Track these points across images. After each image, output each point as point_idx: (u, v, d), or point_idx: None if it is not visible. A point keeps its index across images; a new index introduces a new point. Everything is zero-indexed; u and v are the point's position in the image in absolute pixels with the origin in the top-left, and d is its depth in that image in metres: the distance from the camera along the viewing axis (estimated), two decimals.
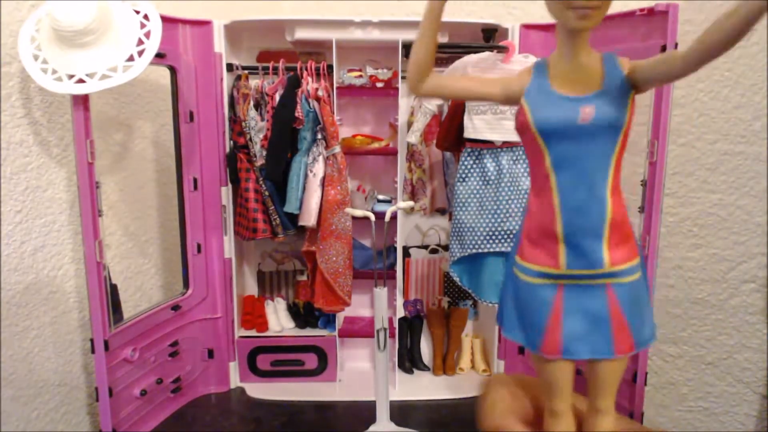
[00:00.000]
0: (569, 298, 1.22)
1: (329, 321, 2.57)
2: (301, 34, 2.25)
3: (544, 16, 2.44)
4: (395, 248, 2.47)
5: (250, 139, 2.32)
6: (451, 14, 2.40)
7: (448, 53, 2.29)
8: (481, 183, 2.12)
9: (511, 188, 2.07)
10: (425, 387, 2.50)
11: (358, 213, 2.03)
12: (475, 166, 2.12)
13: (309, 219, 2.31)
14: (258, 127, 2.33)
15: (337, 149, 2.29)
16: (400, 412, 2.23)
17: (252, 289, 2.71)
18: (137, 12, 1.80)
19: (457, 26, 2.26)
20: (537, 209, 1.23)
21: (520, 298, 1.28)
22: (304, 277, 2.64)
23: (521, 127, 1.22)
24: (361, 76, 2.38)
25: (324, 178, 2.32)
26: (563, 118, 1.16)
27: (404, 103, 2.33)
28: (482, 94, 1.25)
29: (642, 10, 1.83)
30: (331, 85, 2.33)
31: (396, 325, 2.49)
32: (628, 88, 1.18)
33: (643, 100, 1.98)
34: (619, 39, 1.91)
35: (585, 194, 1.18)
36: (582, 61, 1.20)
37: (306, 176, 2.33)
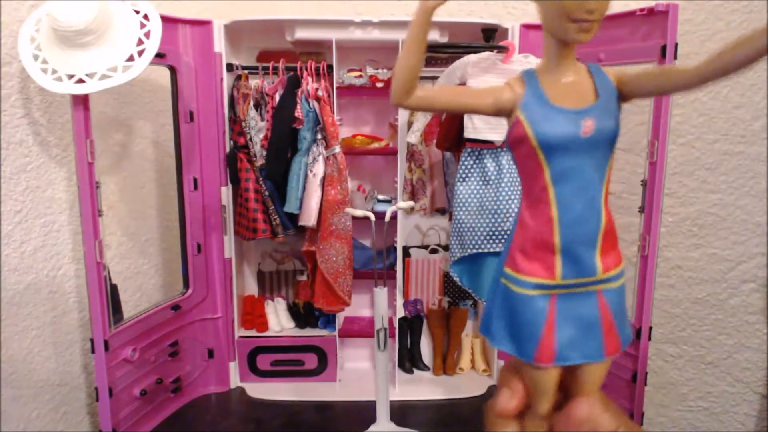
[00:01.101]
0: (562, 306, 1.25)
1: (329, 321, 2.57)
2: (301, 34, 2.25)
3: None
4: (395, 248, 2.47)
5: (250, 139, 2.32)
6: (451, 14, 2.40)
7: (448, 53, 2.29)
8: (481, 183, 2.12)
9: (512, 188, 2.07)
10: (425, 387, 2.50)
11: (358, 213, 2.03)
12: (475, 166, 2.12)
13: (309, 219, 2.31)
14: (258, 127, 2.33)
15: (337, 149, 2.29)
16: (400, 412, 2.23)
17: (252, 289, 2.71)
18: (137, 12, 1.80)
19: (457, 26, 2.26)
20: (532, 222, 1.25)
21: (512, 309, 1.29)
22: (304, 277, 2.64)
23: (517, 140, 1.22)
24: (361, 76, 2.38)
25: (324, 178, 2.32)
26: (566, 132, 1.16)
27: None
28: (473, 106, 1.25)
29: (642, 10, 1.83)
30: (331, 85, 2.33)
31: (396, 325, 2.49)
32: (618, 98, 1.21)
33: (643, 100, 1.98)
34: (619, 39, 1.91)
35: (583, 206, 1.20)
36: (574, 73, 1.22)
37: (306, 176, 2.33)
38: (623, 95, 1.22)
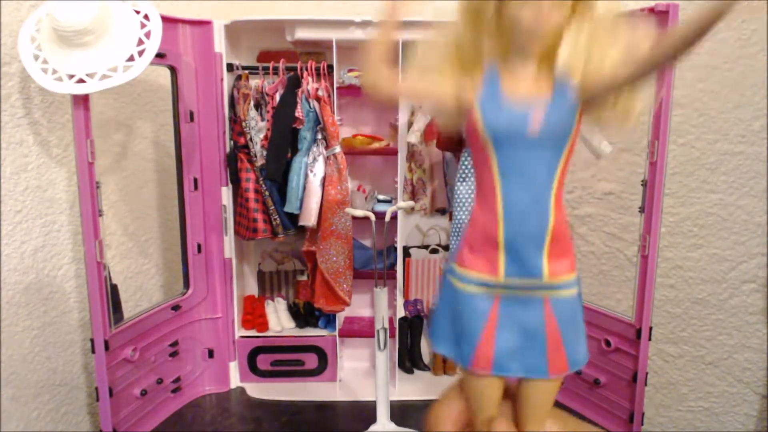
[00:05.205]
0: (505, 310, 1.19)
1: (329, 321, 2.57)
2: (301, 34, 2.25)
3: None
4: (395, 248, 2.47)
5: (250, 139, 2.32)
6: (450, 14, 2.40)
7: None
8: None
9: None
10: (425, 387, 2.50)
11: (359, 213, 2.03)
12: None
13: (309, 219, 2.31)
14: (258, 127, 2.33)
15: (338, 149, 2.29)
16: (400, 412, 2.23)
17: (252, 289, 2.71)
18: (137, 12, 1.80)
19: None
20: (480, 216, 1.22)
21: (454, 308, 1.24)
22: (304, 277, 2.64)
23: (471, 132, 1.21)
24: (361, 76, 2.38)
25: (324, 178, 2.32)
26: (512, 125, 1.14)
27: (404, 102, 2.33)
28: (437, 97, 1.23)
29: (642, 10, 1.83)
30: (332, 85, 2.33)
31: (396, 325, 2.49)
32: (576, 100, 1.16)
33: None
34: None
35: (529, 202, 1.16)
36: (535, 69, 1.18)
37: (306, 176, 2.33)
38: (590, 96, 1.15)
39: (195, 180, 2.28)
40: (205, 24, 2.21)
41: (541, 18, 1.10)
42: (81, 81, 1.70)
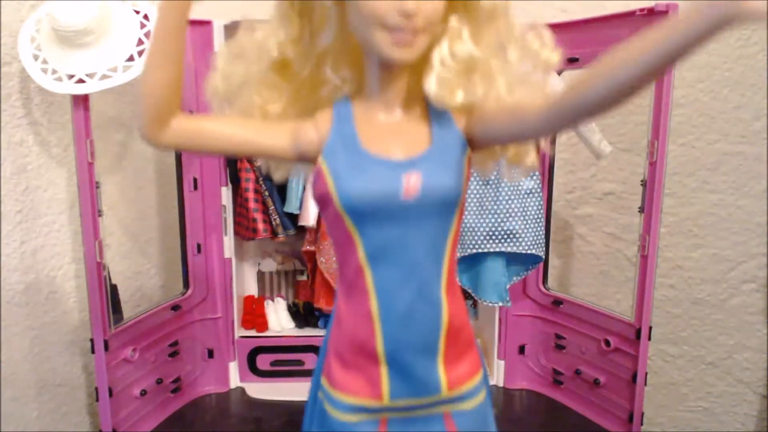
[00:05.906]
0: None
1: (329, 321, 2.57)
2: None
3: (555, 15, 2.43)
4: None
5: None
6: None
7: None
8: (481, 183, 2.12)
9: (511, 188, 2.07)
10: None
11: None
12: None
13: (309, 219, 2.31)
14: None
15: None
16: None
17: (252, 289, 2.71)
18: (137, 12, 1.80)
19: None
20: (349, 318, 0.93)
21: None
22: (304, 277, 2.64)
23: (321, 199, 0.90)
24: None
25: None
26: (380, 191, 0.85)
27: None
28: (261, 147, 0.90)
29: (642, 10, 1.83)
30: None
31: None
32: (464, 147, 0.89)
33: (643, 100, 1.97)
34: (619, 40, 1.90)
35: (413, 296, 0.88)
36: (401, 109, 0.90)
37: (306, 176, 2.33)
38: (475, 141, 0.89)
39: (195, 180, 2.28)
40: (204, 24, 2.21)
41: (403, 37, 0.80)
42: (81, 81, 1.70)
